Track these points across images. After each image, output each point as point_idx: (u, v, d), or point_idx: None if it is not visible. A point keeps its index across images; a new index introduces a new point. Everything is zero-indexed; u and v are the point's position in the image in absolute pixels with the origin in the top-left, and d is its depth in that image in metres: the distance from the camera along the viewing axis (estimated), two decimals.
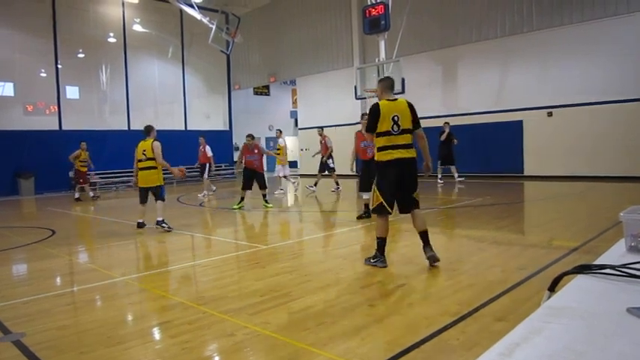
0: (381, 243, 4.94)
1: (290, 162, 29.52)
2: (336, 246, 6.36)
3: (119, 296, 4.40)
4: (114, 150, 18.76)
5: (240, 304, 3.86)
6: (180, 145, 20.96)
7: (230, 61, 24.58)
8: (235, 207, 10.56)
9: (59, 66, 18.50)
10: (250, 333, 3.22)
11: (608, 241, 5.16)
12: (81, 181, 14.57)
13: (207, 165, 14.14)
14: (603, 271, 1.19)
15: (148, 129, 8.16)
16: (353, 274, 4.71)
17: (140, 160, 7.85)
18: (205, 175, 14.13)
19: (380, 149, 4.83)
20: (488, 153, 15.63)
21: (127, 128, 20.23)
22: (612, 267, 1.18)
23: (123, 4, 20.17)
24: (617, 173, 13.44)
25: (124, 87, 20.43)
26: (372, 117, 4.80)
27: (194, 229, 8.23)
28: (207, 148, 14.17)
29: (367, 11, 14.00)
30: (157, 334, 3.39)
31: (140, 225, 8.01)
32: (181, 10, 19.59)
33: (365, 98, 16.23)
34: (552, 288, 1.19)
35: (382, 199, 4.80)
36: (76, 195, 14.54)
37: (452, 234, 6.85)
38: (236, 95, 25.74)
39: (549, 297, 1.15)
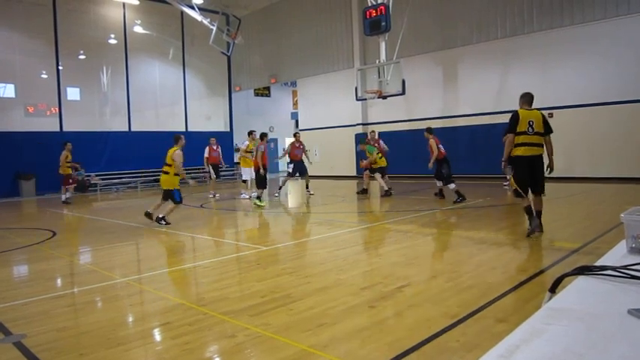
0: (528, 210, 6.31)
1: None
2: (337, 247, 6.36)
3: (120, 297, 4.40)
4: (114, 151, 18.78)
5: (241, 305, 3.86)
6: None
7: (231, 62, 24.60)
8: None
9: (60, 67, 18.51)
10: (251, 334, 3.22)
11: (608, 242, 5.16)
12: (70, 181, 14.30)
13: (218, 165, 14.52)
14: (604, 272, 1.18)
15: (176, 138, 8.84)
16: (353, 276, 4.71)
17: (164, 164, 8.64)
18: (213, 176, 14.33)
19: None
20: (489, 154, 15.62)
21: (127, 130, 20.25)
22: (613, 268, 1.18)
23: (124, 5, 20.19)
24: (618, 174, 13.43)
25: (125, 88, 20.45)
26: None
27: (195, 231, 8.22)
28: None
29: (368, 12, 14.01)
30: (157, 336, 3.39)
31: (147, 214, 8.76)
32: (182, 12, 19.62)
33: (365, 99, 16.21)
34: (553, 289, 1.19)
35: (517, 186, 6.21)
36: (64, 197, 14.15)
37: (453, 235, 6.84)
38: (237, 97, 25.76)
39: (550, 298, 1.15)
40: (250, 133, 13.07)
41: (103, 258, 6.32)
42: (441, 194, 11.18)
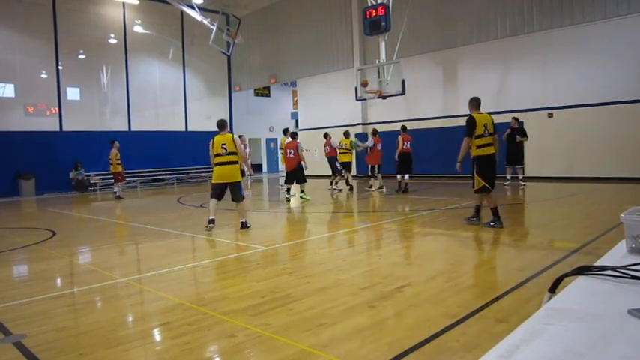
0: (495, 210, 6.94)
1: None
2: (337, 247, 6.36)
3: (119, 297, 4.40)
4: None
5: (241, 305, 3.86)
6: (181, 146, 21.08)
7: (231, 62, 24.61)
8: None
9: (60, 67, 18.52)
10: (251, 334, 3.22)
11: (608, 242, 5.16)
12: (119, 178, 14.77)
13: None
14: (604, 272, 1.18)
15: (224, 122, 7.76)
16: (353, 276, 4.71)
17: (219, 155, 7.44)
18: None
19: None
20: None
21: (127, 129, 20.25)
22: (613, 268, 1.18)
23: (123, 5, 20.19)
24: (618, 174, 13.43)
25: (125, 88, 20.45)
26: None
27: (195, 230, 8.22)
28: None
29: (368, 12, 14.01)
30: (157, 335, 3.39)
31: (212, 222, 7.64)
32: (182, 12, 19.62)
33: (365, 99, 16.22)
34: (553, 289, 1.19)
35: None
36: (117, 192, 14.85)
37: (453, 235, 6.84)
38: (237, 96, 25.76)
39: (550, 298, 1.15)
40: (286, 131, 13.44)
41: (103, 258, 6.32)
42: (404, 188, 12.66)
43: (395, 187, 13.14)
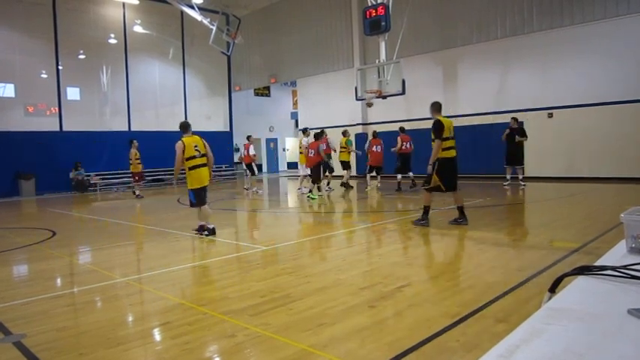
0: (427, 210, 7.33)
1: (289, 163, 29.66)
2: (337, 247, 6.36)
3: (119, 297, 4.40)
4: (114, 151, 18.76)
5: (241, 305, 3.86)
6: None
7: (230, 62, 24.60)
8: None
9: (60, 67, 18.51)
10: (251, 334, 3.22)
11: (608, 242, 5.16)
12: (137, 178, 14.85)
13: (252, 164, 14.84)
14: (604, 272, 1.18)
15: (189, 124, 7.46)
16: (353, 276, 4.71)
17: (194, 157, 7.07)
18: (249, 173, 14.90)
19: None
20: (488, 154, 15.63)
21: (127, 129, 20.24)
22: (613, 268, 1.18)
23: (123, 5, 20.19)
24: (618, 174, 13.43)
25: (125, 88, 20.45)
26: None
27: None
28: (251, 147, 14.93)
29: (368, 12, 14.00)
30: (157, 335, 3.39)
31: (213, 231, 7.20)
32: (182, 12, 19.61)
33: (365, 99, 16.21)
34: (553, 289, 1.19)
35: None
36: (137, 192, 14.89)
37: (452, 235, 6.84)
38: (236, 96, 25.76)
39: (550, 298, 1.15)
40: (305, 130, 13.68)
41: (103, 258, 6.32)
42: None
43: (394, 186, 13.25)
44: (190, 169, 7.08)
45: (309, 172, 12.92)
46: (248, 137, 15.13)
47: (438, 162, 7.05)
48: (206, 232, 7.18)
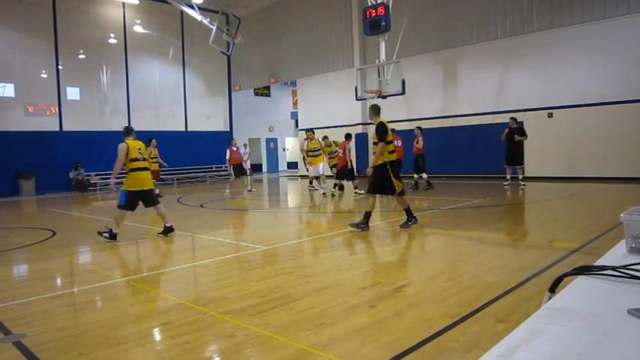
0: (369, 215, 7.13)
1: (289, 163, 29.66)
2: (336, 247, 6.36)
3: (119, 297, 4.40)
4: (114, 151, 18.71)
5: (241, 305, 3.86)
6: (181, 146, 21.07)
7: (230, 62, 24.60)
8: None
9: (60, 67, 18.52)
10: (250, 334, 3.22)
11: (608, 242, 5.16)
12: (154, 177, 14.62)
13: (242, 164, 15.43)
14: (604, 272, 1.18)
15: (132, 128, 7.71)
16: (353, 275, 4.71)
17: (137, 160, 7.23)
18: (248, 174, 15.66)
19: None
20: (488, 154, 15.63)
21: None
22: (613, 268, 1.18)
23: (123, 5, 20.19)
24: (618, 174, 13.44)
25: (125, 88, 20.45)
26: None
27: (194, 230, 8.22)
28: (242, 148, 15.61)
29: (367, 12, 14.00)
30: (157, 335, 3.39)
31: (171, 229, 7.31)
32: (182, 12, 19.61)
33: (365, 99, 16.22)
34: (553, 289, 1.19)
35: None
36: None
37: (452, 235, 6.84)
38: (236, 96, 25.76)
39: (550, 298, 1.15)
40: (308, 131, 13.94)
41: (103, 258, 6.32)
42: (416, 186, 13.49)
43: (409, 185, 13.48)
44: (133, 170, 7.18)
45: (319, 172, 13.31)
46: (231, 139, 15.84)
47: (388, 166, 6.98)
48: (161, 232, 7.26)
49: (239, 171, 15.26)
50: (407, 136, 14.10)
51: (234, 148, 15.24)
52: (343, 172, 12.86)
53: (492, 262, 5.07)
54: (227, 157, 15.24)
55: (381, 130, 6.97)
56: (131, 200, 7.19)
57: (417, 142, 13.40)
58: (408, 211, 7.25)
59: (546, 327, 0.92)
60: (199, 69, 23.34)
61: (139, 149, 7.32)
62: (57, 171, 17.71)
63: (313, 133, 13.78)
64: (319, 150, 13.42)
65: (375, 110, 7.29)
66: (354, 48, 19.88)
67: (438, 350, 2.87)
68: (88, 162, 18.43)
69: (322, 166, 13.49)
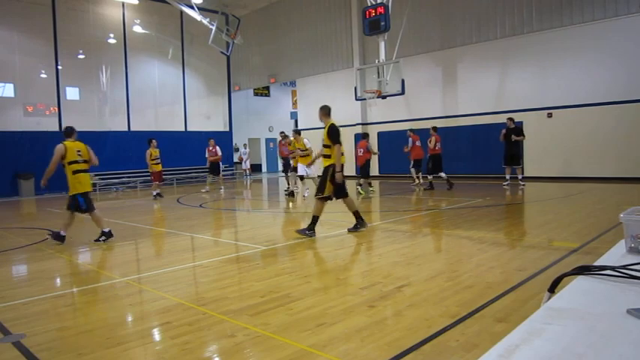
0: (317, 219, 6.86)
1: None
2: (336, 247, 6.36)
3: (119, 297, 4.40)
4: (114, 151, 18.76)
5: (241, 305, 3.86)
6: (180, 146, 21.07)
7: (230, 62, 24.59)
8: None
9: (59, 67, 18.51)
10: (250, 334, 3.22)
11: (608, 242, 5.17)
12: (152, 178, 14.63)
13: (219, 164, 15.87)
14: (603, 272, 1.19)
15: (73, 129, 7.62)
16: (353, 275, 4.72)
17: (76, 162, 7.17)
18: (220, 174, 15.98)
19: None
20: (488, 154, 15.64)
21: (127, 129, 20.24)
22: (612, 268, 1.18)
23: (123, 5, 20.18)
24: (617, 174, 13.44)
25: (125, 88, 20.44)
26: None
27: (195, 230, 8.22)
28: (218, 148, 15.82)
29: (367, 12, 14.01)
30: (156, 335, 3.39)
31: (110, 234, 7.17)
32: (181, 12, 19.62)
33: (365, 99, 16.23)
34: (552, 289, 1.19)
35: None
36: (153, 193, 14.46)
37: (452, 235, 6.84)
38: (236, 96, 25.75)
39: (549, 298, 1.15)
40: (298, 132, 13.70)
41: (103, 258, 6.33)
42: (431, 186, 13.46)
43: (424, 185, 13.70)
44: (74, 172, 7.15)
45: (303, 173, 13.13)
46: (209, 139, 16.09)
47: (332, 169, 6.69)
48: (103, 238, 7.09)
49: (214, 169, 15.74)
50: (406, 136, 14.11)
51: (210, 148, 15.71)
52: (365, 170, 13.04)
53: (492, 262, 5.07)
54: (206, 155, 15.86)
55: (334, 132, 6.75)
56: (89, 199, 7.24)
57: (430, 142, 13.26)
58: (315, 220, 6.83)
59: (546, 327, 0.92)
60: (199, 69, 23.34)
61: (79, 151, 7.25)
62: (56, 171, 17.64)
63: (299, 134, 13.47)
64: (306, 150, 13.06)
65: (325, 111, 7.06)
66: (353, 48, 19.87)
67: (437, 350, 2.88)
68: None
69: (308, 167, 12.92)
